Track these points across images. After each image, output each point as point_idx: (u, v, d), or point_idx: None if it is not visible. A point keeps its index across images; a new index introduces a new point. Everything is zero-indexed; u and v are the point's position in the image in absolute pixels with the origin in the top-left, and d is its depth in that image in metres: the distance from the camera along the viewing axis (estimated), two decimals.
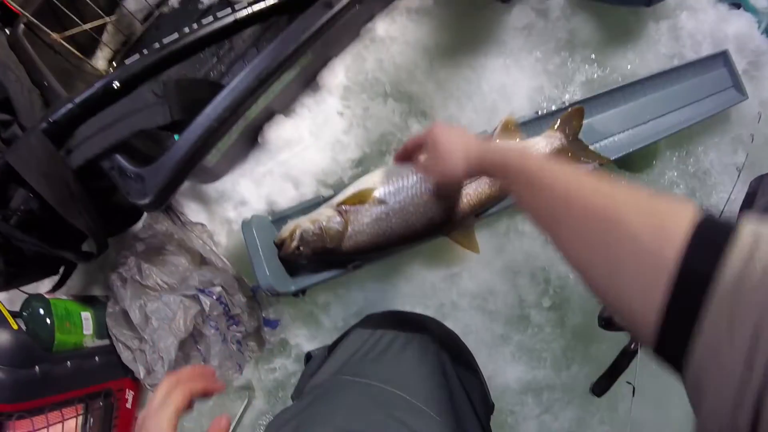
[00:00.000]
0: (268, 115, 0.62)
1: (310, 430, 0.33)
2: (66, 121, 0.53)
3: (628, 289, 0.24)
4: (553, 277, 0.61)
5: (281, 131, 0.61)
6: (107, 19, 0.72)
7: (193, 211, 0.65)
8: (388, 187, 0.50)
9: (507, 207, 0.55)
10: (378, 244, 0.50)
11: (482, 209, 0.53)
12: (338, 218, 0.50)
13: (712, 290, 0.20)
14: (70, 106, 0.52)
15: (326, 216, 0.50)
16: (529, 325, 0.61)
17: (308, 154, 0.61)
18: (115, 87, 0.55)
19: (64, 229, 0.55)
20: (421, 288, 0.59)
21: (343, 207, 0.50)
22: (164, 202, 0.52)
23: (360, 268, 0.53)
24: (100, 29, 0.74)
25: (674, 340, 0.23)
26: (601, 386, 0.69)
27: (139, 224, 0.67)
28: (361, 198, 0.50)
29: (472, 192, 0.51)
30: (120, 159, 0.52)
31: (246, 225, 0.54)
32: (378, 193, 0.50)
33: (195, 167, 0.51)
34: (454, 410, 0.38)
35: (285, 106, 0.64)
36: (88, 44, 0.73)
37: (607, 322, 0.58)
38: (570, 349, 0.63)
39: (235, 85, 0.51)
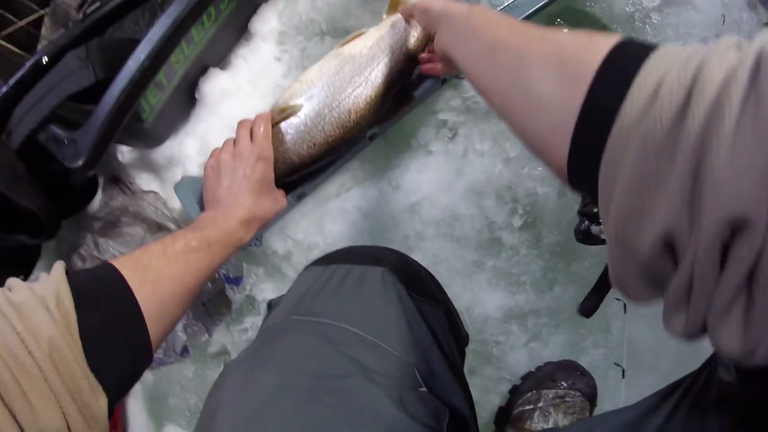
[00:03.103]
0: (202, 69, 0.60)
1: (255, 375, 0.31)
2: (2, 105, 0.53)
3: (540, 128, 0.24)
4: (521, 195, 0.58)
5: (217, 84, 0.59)
6: (42, 11, 0.71)
7: (144, 181, 0.64)
8: (313, 88, 0.46)
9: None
10: (313, 155, 0.47)
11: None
12: None
13: (615, 125, 0.18)
14: (4, 89, 0.52)
15: None
16: (502, 248, 0.59)
17: (249, 102, 0.59)
18: (45, 62, 0.54)
19: (17, 216, 0.55)
20: (382, 221, 0.56)
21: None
22: (98, 161, 0.51)
23: (305, 197, 0.51)
24: (38, 23, 0.73)
25: (582, 182, 0.22)
26: (588, 306, 0.66)
27: (96, 205, 0.66)
28: (285, 110, 0.47)
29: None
30: (54, 129, 0.51)
31: (178, 187, 0.52)
32: (301, 99, 0.47)
33: (123, 121, 0.50)
34: (415, 345, 0.36)
35: (219, 59, 0.61)
36: (28, 40, 0.73)
37: (585, 236, 0.54)
38: (550, 269, 0.61)
39: (152, 34, 0.50)
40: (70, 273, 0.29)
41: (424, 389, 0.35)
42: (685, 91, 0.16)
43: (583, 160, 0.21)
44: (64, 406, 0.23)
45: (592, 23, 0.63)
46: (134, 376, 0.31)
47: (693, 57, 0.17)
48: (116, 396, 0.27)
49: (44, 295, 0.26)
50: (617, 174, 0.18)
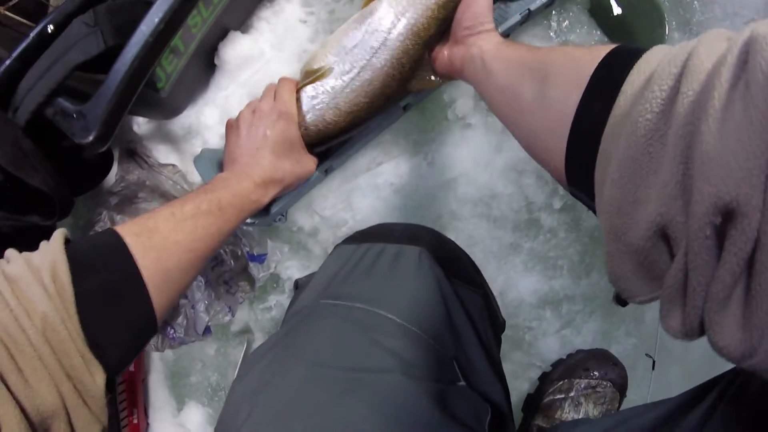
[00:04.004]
0: (222, 33, 0.55)
1: (284, 365, 0.29)
2: (6, 78, 0.49)
3: (539, 130, 0.24)
4: None
5: (239, 49, 0.55)
6: None
7: (162, 153, 0.61)
8: (342, 50, 0.43)
9: None
10: (339, 124, 0.44)
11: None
12: None
13: (609, 120, 0.19)
14: (7, 62, 0.48)
15: None
16: (540, 231, 0.55)
17: (272, 68, 0.55)
18: (50, 31, 0.50)
19: (27, 196, 0.52)
20: (415, 198, 0.53)
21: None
22: (110, 136, 0.47)
23: (332, 171, 0.48)
24: None
25: (580, 182, 0.22)
26: None
27: (111, 179, 0.64)
28: (311, 74, 0.43)
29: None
30: (62, 101, 0.48)
31: (198, 160, 0.49)
32: (328, 62, 0.43)
33: (137, 91, 0.46)
34: (452, 333, 0.34)
35: (240, 22, 0.57)
36: (36, 9, 0.68)
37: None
38: (588, 254, 0.58)
39: None
40: (70, 242, 0.27)
41: (463, 383, 0.33)
42: (675, 76, 0.16)
43: (580, 160, 0.21)
44: (58, 384, 0.23)
45: None
46: (136, 348, 0.29)
47: (683, 48, 0.17)
48: (117, 368, 0.27)
49: (40, 268, 0.24)
50: (610, 162, 0.18)
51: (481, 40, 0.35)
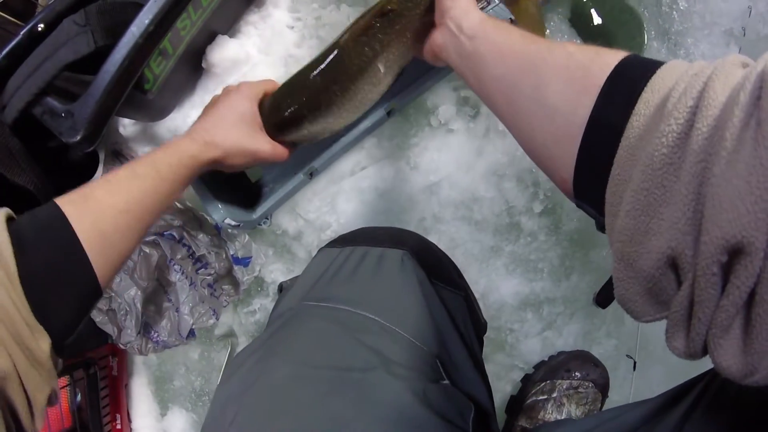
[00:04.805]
0: (210, 36, 0.56)
1: (269, 365, 0.29)
2: None
3: (546, 138, 0.24)
4: (543, 179, 0.56)
5: (226, 52, 0.55)
6: None
7: None
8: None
9: None
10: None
11: None
12: None
13: (622, 142, 0.19)
14: None
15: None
16: (521, 234, 0.57)
17: (258, 72, 0.55)
18: (40, 29, 0.50)
19: (12, 194, 0.52)
20: (398, 202, 0.54)
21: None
22: (98, 136, 0.47)
23: (317, 174, 0.48)
24: None
25: (587, 195, 0.22)
26: (605, 296, 0.64)
27: (97, 178, 0.64)
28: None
29: None
30: (50, 100, 0.48)
31: None
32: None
33: (125, 91, 0.47)
34: (435, 332, 0.34)
35: (228, 26, 0.58)
36: (25, 9, 0.68)
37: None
38: (568, 257, 0.59)
39: None
40: (14, 219, 0.28)
41: (446, 381, 0.33)
42: (691, 108, 0.16)
43: (590, 175, 0.21)
44: (8, 349, 0.25)
45: (618, 3, 0.60)
46: (81, 313, 0.30)
47: (699, 75, 0.17)
48: (64, 334, 0.28)
49: None
50: (624, 191, 0.18)
51: (458, 16, 0.33)
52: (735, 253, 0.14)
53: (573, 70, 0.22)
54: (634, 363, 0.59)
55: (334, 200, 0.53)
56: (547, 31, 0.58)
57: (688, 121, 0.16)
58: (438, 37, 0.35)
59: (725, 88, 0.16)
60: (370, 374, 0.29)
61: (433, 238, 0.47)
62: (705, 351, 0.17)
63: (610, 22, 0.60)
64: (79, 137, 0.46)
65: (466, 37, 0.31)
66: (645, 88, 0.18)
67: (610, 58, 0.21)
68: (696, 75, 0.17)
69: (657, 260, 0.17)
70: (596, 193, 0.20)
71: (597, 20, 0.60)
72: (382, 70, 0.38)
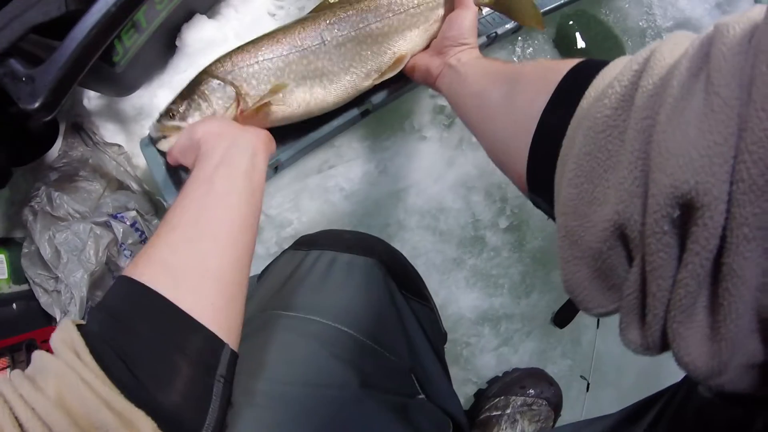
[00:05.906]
0: (187, 14, 0.54)
1: (237, 381, 0.27)
2: None
3: (503, 133, 0.25)
4: (511, 196, 0.56)
5: (202, 32, 0.53)
6: None
7: (110, 132, 0.58)
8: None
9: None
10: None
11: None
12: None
13: (572, 122, 0.19)
14: None
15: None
16: (485, 248, 0.56)
17: None
18: None
19: None
20: (363, 205, 0.53)
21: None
22: (57, 105, 0.45)
23: (282, 168, 0.47)
24: None
25: (540, 187, 0.22)
26: (563, 317, 0.65)
27: (55, 153, 0.61)
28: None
29: None
30: (14, 62, 0.45)
31: (145, 142, 0.47)
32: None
33: (91, 60, 0.44)
34: (408, 345, 0.34)
35: (207, 6, 0.56)
36: None
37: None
38: (529, 275, 0.59)
39: None
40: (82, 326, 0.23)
41: (422, 396, 0.33)
42: (636, 72, 0.16)
43: (542, 165, 0.20)
44: None
45: (603, 31, 0.61)
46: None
47: (647, 47, 0.17)
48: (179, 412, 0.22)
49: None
50: (567, 159, 0.17)
51: (461, 53, 0.37)
52: (689, 208, 0.12)
53: (537, 74, 0.23)
54: (588, 384, 0.60)
55: (298, 197, 0.52)
56: (531, 49, 0.58)
57: (633, 83, 0.15)
58: (435, 65, 0.38)
59: (673, 52, 0.15)
60: (347, 392, 0.28)
61: (395, 245, 0.46)
62: (665, 344, 0.14)
63: (593, 48, 0.60)
64: (37, 104, 0.43)
65: (460, 69, 0.35)
66: (596, 76, 0.18)
67: (573, 62, 0.21)
68: (645, 48, 0.17)
69: (603, 230, 0.15)
70: (548, 182, 0.19)
71: (581, 44, 0.60)
72: None
